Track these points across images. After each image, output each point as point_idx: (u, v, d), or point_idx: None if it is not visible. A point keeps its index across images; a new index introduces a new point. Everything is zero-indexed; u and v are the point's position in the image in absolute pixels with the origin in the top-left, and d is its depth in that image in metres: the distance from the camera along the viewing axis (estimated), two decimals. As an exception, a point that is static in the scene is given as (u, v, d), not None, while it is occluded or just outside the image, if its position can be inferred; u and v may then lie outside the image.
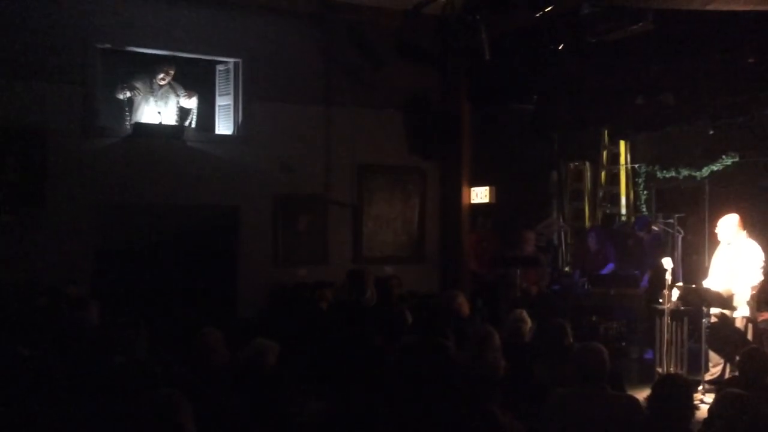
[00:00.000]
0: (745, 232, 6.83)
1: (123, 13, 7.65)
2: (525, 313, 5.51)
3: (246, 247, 8.25)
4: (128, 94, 7.80)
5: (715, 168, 8.85)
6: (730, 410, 3.55)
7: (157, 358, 4.81)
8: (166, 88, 7.96)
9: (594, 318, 7.94)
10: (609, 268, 8.65)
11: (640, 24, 6.39)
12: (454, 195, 9.21)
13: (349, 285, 7.22)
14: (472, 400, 3.92)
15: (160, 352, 4.95)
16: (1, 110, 7.13)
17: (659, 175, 9.65)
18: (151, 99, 7.88)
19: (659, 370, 6.75)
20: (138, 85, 7.86)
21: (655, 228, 8.77)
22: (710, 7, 5.63)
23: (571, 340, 5.05)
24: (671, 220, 8.64)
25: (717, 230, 6.93)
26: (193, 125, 8.17)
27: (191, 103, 8.12)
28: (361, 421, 4.05)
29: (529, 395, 4.42)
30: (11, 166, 7.16)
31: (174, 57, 8.03)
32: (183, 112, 8.14)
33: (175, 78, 8.01)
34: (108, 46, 7.70)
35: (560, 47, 7.54)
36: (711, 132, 8.21)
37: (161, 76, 7.86)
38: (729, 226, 6.83)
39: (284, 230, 8.41)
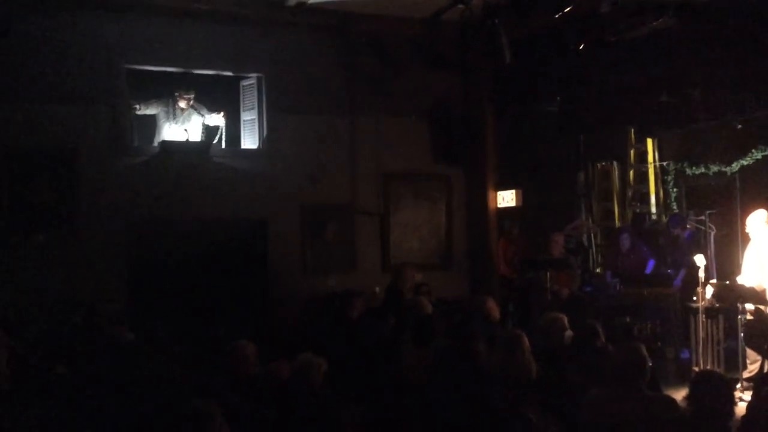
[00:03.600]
0: (774, 226, 6.72)
1: (148, 34, 7.79)
2: (560, 316, 5.45)
3: (275, 257, 8.31)
4: (147, 110, 7.92)
5: (745, 162, 8.71)
6: None
7: (191, 370, 4.86)
8: (189, 111, 8.06)
9: (627, 319, 7.85)
10: (651, 266, 8.54)
11: (661, 20, 6.33)
12: (480, 200, 9.19)
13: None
14: (505, 404, 3.90)
15: (194, 365, 5.00)
16: (31, 132, 7.29)
17: (688, 171, 9.52)
18: (173, 123, 7.98)
19: (696, 369, 6.65)
20: (158, 107, 7.97)
21: (689, 225, 8.65)
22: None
23: (603, 340, 5.00)
24: (703, 217, 8.52)
25: (746, 226, 6.85)
26: (223, 142, 8.25)
27: (218, 120, 8.20)
28: (395, 427, 4.05)
29: (563, 397, 4.39)
30: (43, 187, 7.31)
31: (194, 79, 8.14)
32: (210, 130, 8.24)
33: (198, 97, 8.10)
34: (134, 66, 7.84)
35: (581, 47, 7.50)
36: (739, 126, 8.10)
37: (182, 103, 7.96)
38: (757, 222, 6.74)
39: (312, 240, 8.47)
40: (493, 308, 6.37)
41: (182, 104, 7.98)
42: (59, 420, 3.93)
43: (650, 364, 4.04)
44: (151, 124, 8.08)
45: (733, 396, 3.83)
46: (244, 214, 8.20)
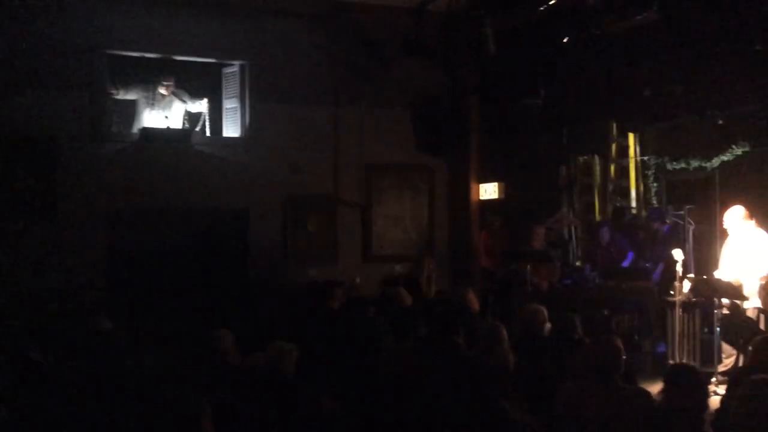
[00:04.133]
0: (753, 222, 6.79)
1: (129, 19, 7.70)
2: (541, 308, 5.47)
3: (256, 248, 8.29)
4: (127, 95, 7.84)
5: (725, 158, 8.77)
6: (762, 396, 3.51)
7: (170, 360, 4.84)
8: (170, 97, 7.98)
9: (606, 312, 7.90)
10: (630, 258, 8.61)
11: (645, 14, 6.36)
12: (463, 192, 9.21)
13: None
14: (482, 395, 3.92)
15: (173, 355, 4.98)
16: (10, 118, 7.20)
17: (669, 166, 9.57)
18: (154, 110, 7.90)
19: (672, 362, 6.72)
20: (139, 93, 7.89)
21: (668, 220, 8.71)
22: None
23: (581, 333, 5.04)
24: (682, 212, 8.58)
25: (724, 222, 6.91)
26: (207, 129, 8.19)
27: (200, 107, 8.13)
28: (374, 418, 4.06)
29: (540, 389, 4.42)
30: (22, 174, 7.22)
31: (176, 64, 8.06)
32: (192, 117, 8.16)
33: (179, 83, 8.03)
34: (115, 51, 7.75)
35: (565, 40, 7.52)
36: (720, 122, 8.15)
37: (162, 90, 7.88)
38: (734, 218, 6.80)
39: (294, 231, 8.44)
40: (473, 300, 6.40)
41: (163, 91, 7.90)
42: (35, 409, 3.90)
43: (624, 356, 4.08)
44: (130, 109, 8.00)
45: (706, 389, 3.86)
46: (225, 204, 8.16)
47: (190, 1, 7.87)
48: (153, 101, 7.93)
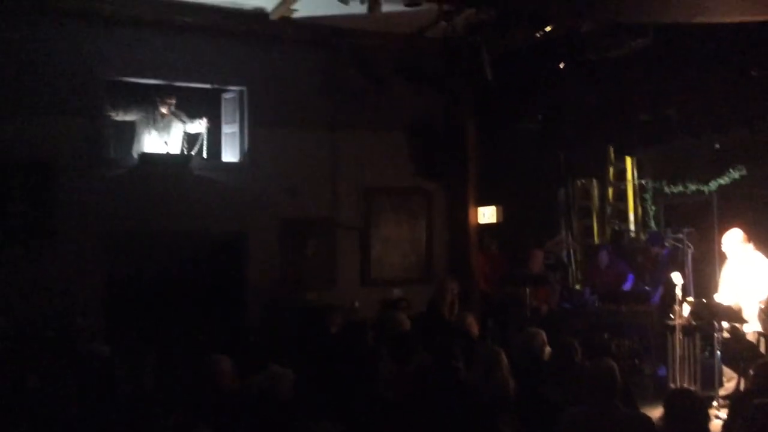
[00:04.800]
0: (751, 245, 6.79)
1: (129, 45, 7.76)
2: (540, 331, 5.45)
3: (254, 272, 8.27)
4: (125, 117, 7.86)
5: (722, 182, 8.80)
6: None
7: (167, 385, 4.82)
8: (169, 117, 8.01)
9: (606, 335, 7.87)
10: (631, 281, 8.60)
11: (641, 40, 6.42)
12: (461, 215, 9.22)
13: None
14: (482, 420, 3.90)
15: (170, 379, 4.95)
16: (9, 143, 7.22)
17: (667, 190, 9.60)
18: (153, 131, 7.92)
19: (672, 386, 6.68)
20: (138, 114, 7.92)
21: (667, 244, 8.72)
22: (697, 20, 5.65)
23: (581, 357, 5.02)
24: (680, 235, 8.59)
25: (722, 245, 6.92)
26: (204, 151, 8.20)
27: (199, 127, 8.16)
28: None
29: (540, 414, 4.39)
30: (20, 199, 7.22)
31: (175, 91, 8.09)
32: (190, 139, 8.19)
33: (178, 106, 8.06)
34: (115, 77, 7.80)
35: (562, 66, 7.58)
36: (717, 146, 8.20)
37: (163, 109, 7.91)
38: (732, 241, 6.80)
39: (292, 255, 8.43)
40: (473, 324, 6.38)
41: (164, 109, 7.92)
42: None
43: (620, 378, 4.05)
44: (129, 132, 8.02)
45: (707, 414, 3.84)
46: (224, 228, 8.16)
47: (190, 28, 7.92)
48: (153, 122, 7.95)
